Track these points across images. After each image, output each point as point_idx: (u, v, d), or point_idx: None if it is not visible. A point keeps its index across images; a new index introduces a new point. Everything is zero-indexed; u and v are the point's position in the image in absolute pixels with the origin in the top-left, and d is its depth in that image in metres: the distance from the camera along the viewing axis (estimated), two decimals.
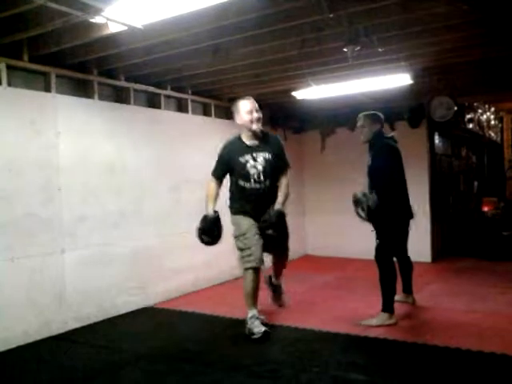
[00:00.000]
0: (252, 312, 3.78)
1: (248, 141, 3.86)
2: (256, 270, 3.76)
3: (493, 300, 4.69)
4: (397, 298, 4.24)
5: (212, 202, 3.93)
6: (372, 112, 4.38)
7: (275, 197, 3.84)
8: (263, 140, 3.88)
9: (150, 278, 4.94)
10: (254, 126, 3.79)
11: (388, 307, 3.99)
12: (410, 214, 4.24)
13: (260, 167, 3.79)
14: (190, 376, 3.14)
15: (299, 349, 3.54)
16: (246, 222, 3.82)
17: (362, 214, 3.94)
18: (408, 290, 4.54)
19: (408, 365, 3.23)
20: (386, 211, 3.92)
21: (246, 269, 3.75)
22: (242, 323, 3.89)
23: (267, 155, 3.81)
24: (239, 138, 3.90)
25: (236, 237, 3.86)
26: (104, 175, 4.53)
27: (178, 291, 5.24)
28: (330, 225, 7.36)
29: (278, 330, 3.96)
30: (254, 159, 3.79)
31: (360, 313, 4.26)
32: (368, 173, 4.20)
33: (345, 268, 6.62)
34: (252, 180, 3.79)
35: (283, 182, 3.88)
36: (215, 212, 3.90)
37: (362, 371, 3.10)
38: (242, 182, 3.83)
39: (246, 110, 3.78)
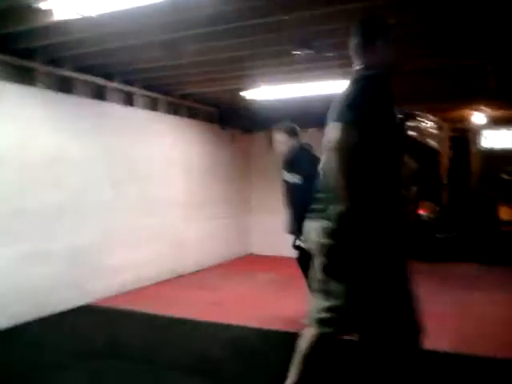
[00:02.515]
0: None
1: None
2: None
3: (431, 301, 4.88)
4: None
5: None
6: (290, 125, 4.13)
7: None
8: None
9: (88, 275, 4.79)
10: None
11: None
12: None
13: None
14: (129, 375, 3.09)
15: (241, 347, 3.56)
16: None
17: None
18: None
19: (348, 362, 3.32)
20: None
21: None
22: (180, 322, 3.86)
23: None
24: (386, 80, 2.15)
25: None
26: (44, 167, 4.34)
27: (119, 289, 5.12)
28: (275, 224, 7.43)
29: (220, 329, 3.97)
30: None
31: (303, 311, 4.33)
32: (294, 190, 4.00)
33: (289, 267, 6.70)
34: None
35: None
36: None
37: None
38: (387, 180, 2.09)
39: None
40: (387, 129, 2.11)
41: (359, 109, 2.02)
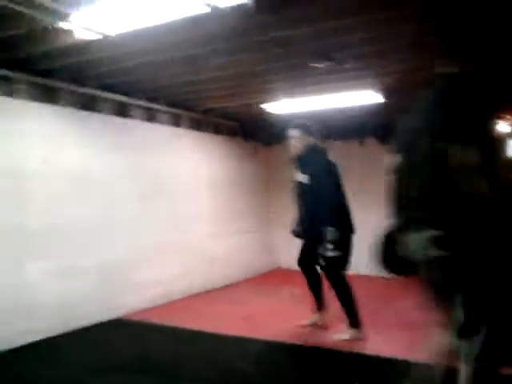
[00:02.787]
0: None
1: None
2: None
3: None
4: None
5: None
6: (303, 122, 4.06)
7: None
8: None
9: (117, 290, 4.80)
10: None
11: (355, 322, 3.93)
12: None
13: None
14: None
15: (268, 362, 3.51)
16: None
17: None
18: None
19: (379, 378, 3.21)
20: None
21: None
22: (208, 336, 3.81)
23: None
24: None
25: None
26: (72, 184, 4.41)
27: (148, 303, 5.11)
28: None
29: (247, 343, 3.91)
30: None
31: (331, 326, 4.24)
32: (304, 191, 3.92)
33: None
34: None
35: None
36: None
37: None
38: None
39: None
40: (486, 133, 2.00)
41: (455, 121, 1.91)
